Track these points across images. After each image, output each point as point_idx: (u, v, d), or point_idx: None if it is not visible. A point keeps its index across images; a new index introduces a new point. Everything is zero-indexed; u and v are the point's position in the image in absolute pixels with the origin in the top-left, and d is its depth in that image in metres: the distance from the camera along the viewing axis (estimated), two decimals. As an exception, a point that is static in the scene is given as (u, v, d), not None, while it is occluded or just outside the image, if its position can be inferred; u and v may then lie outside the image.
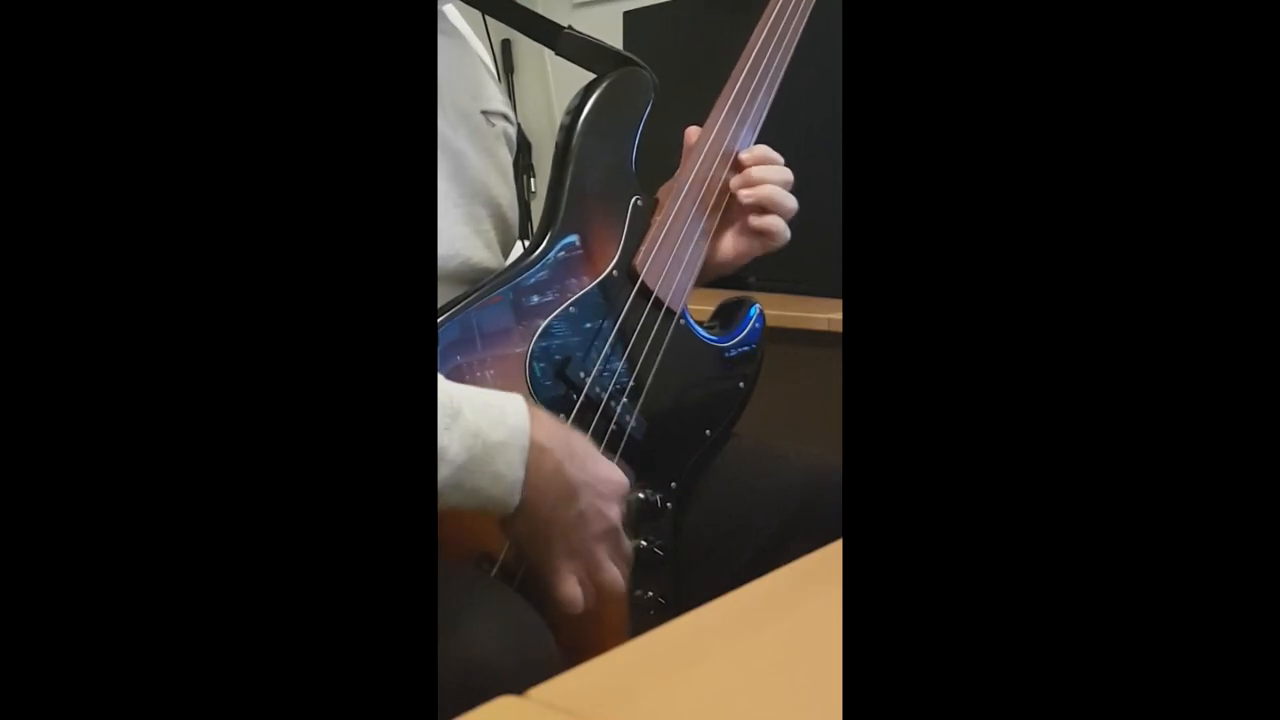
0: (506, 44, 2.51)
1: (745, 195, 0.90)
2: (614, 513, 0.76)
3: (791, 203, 0.91)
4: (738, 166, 0.91)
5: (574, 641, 0.77)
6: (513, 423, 0.70)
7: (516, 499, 0.70)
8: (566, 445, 0.73)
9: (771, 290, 1.56)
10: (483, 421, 0.69)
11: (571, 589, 0.74)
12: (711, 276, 0.93)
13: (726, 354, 0.93)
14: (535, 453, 0.70)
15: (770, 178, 0.90)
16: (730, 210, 0.92)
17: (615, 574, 0.76)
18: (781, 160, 0.93)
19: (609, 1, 2.21)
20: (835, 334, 1.42)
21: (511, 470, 0.69)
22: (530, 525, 0.72)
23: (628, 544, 0.78)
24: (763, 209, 0.90)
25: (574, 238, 0.86)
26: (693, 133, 0.92)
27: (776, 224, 0.90)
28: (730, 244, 0.92)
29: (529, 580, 0.76)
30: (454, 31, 0.96)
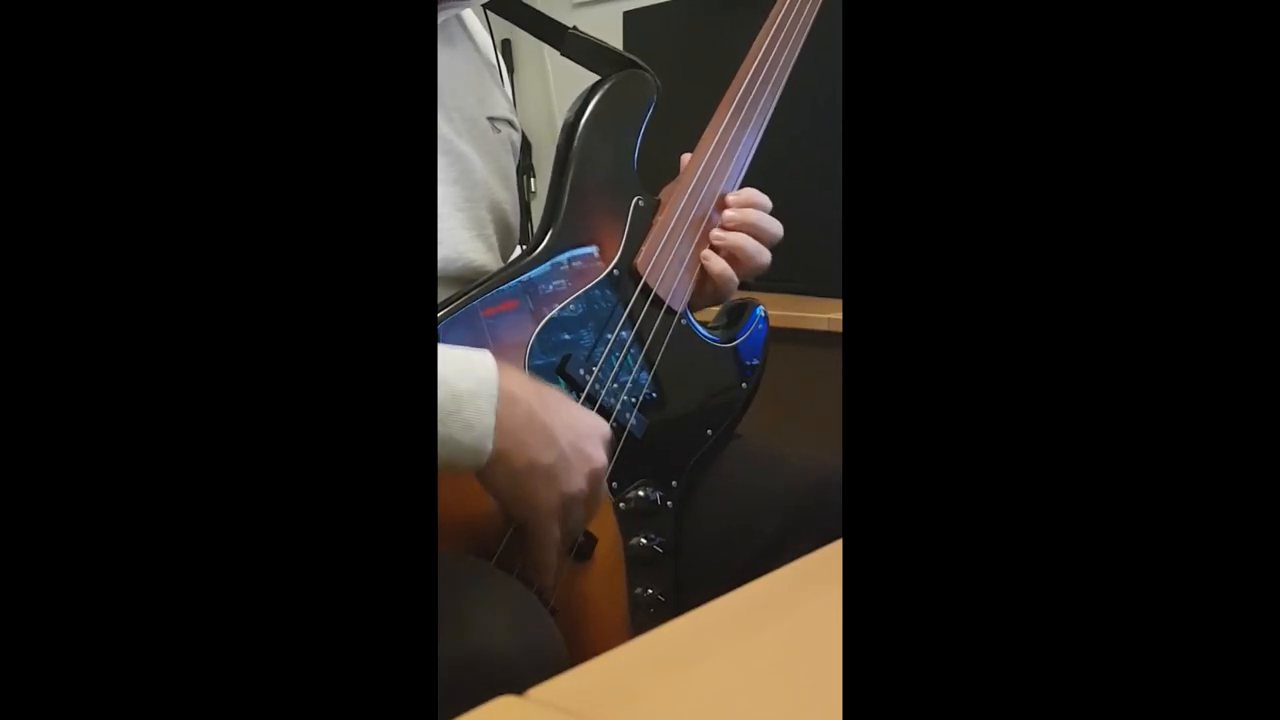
0: (506, 44, 2.51)
1: (716, 238, 0.90)
2: (599, 453, 0.75)
3: (764, 258, 0.91)
4: (722, 206, 0.91)
5: (574, 633, 0.77)
6: (481, 374, 0.70)
7: (489, 446, 0.70)
8: (538, 394, 0.74)
9: (771, 290, 1.56)
10: (449, 371, 0.69)
11: (557, 545, 0.74)
12: (707, 301, 0.93)
13: (729, 355, 0.93)
14: (505, 401, 0.70)
15: (749, 221, 0.90)
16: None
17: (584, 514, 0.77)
18: (769, 205, 0.92)
19: (609, 1, 2.22)
20: (835, 334, 1.42)
21: (482, 418, 0.69)
22: (509, 472, 0.71)
23: (604, 489, 0.78)
24: (730, 254, 0.90)
25: (588, 249, 0.86)
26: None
27: (725, 271, 0.90)
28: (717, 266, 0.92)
29: (515, 548, 0.76)
30: (463, 37, 0.96)
